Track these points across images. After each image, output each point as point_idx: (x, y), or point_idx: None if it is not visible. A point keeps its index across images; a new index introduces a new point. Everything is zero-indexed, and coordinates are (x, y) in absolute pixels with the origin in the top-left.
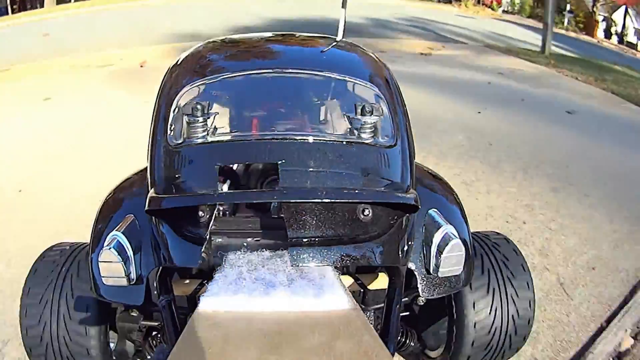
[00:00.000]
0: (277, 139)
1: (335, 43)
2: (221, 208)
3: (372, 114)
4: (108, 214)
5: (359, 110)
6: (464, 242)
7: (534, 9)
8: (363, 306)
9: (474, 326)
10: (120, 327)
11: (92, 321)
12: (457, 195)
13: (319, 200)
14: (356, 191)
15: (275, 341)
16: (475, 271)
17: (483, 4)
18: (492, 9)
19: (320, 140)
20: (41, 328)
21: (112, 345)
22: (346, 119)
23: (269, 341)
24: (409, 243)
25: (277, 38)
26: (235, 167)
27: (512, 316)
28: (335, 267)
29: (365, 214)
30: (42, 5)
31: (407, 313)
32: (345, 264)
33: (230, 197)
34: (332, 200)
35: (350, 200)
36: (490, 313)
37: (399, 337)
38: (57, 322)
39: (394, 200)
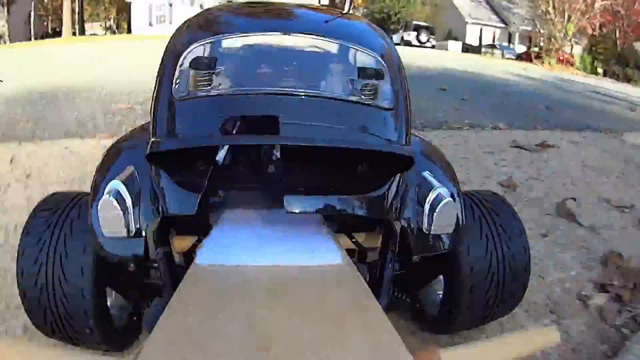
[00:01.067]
0: (279, 93)
1: (341, 14)
2: (220, 159)
3: (373, 78)
4: (109, 164)
5: (360, 74)
6: (456, 201)
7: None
8: (357, 262)
9: (470, 271)
10: (116, 282)
11: (90, 265)
12: (447, 160)
13: (317, 147)
14: (356, 140)
15: (269, 294)
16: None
17: (561, 61)
18: (576, 67)
19: (322, 97)
20: (37, 269)
21: (109, 300)
22: (348, 81)
23: (262, 294)
24: (403, 200)
25: (287, 4)
26: (237, 120)
27: (508, 261)
28: (330, 221)
29: (361, 167)
30: None
31: (402, 272)
32: (339, 213)
33: (230, 140)
34: (331, 147)
35: (348, 147)
36: (485, 257)
37: (391, 293)
38: (53, 266)
39: (391, 150)
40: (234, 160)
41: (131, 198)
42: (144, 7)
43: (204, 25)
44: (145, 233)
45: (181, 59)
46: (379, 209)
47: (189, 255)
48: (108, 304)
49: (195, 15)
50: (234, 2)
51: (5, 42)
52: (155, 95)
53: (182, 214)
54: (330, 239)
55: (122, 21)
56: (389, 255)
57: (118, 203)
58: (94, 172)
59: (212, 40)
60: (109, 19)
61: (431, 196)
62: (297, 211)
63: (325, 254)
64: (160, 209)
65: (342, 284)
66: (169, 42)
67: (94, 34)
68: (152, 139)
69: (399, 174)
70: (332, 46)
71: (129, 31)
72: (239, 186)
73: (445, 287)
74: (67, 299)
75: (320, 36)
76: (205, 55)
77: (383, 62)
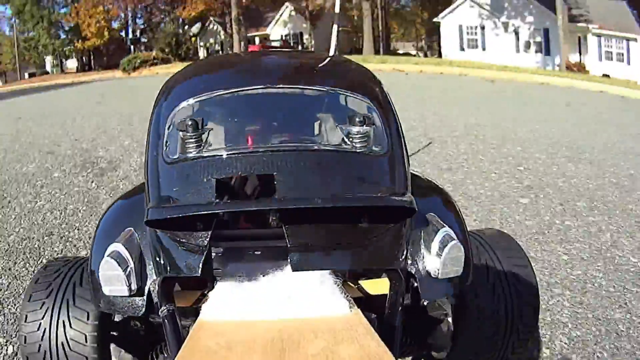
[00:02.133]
0: (271, 150)
1: (328, 58)
2: (220, 219)
3: (364, 124)
4: (107, 227)
5: (351, 121)
6: (463, 242)
7: None
8: (364, 311)
9: (478, 313)
10: (121, 339)
11: (93, 332)
12: (451, 199)
13: (316, 207)
14: (353, 197)
15: (278, 348)
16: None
17: None
18: None
19: (314, 150)
20: (40, 336)
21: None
22: (340, 129)
23: (272, 348)
24: (408, 246)
25: (270, 54)
26: (232, 180)
27: (517, 304)
28: (336, 274)
29: (362, 219)
30: None
31: (410, 316)
32: (344, 269)
33: (228, 206)
34: (329, 207)
35: (347, 205)
36: (493, 299)
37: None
38: (57, 332)
39: (390, 203)
40: (234, 218)
41: (132, 259)
42: (454, 29)
43: (188, 83)
44: (148, 291)
45: (168, 120)
46: (385, 258)
47: (194, 310)
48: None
49: (178, 72)
50: (219, 55)
51: None
52: (146, 158)
53: (186, 276)
54: (336, 288)
55: (434, 42)
56: (397, 302)
57: (119, 264)
58: (92, 235)
59: (199, 98)
60: (421, 40)
61: (437, 238)
62: (302, 269)
63: (333, 304)
64: (162, 269)
65: (351, 335)
66: (156, 102)
67: (407, 53)
68: (149, 205)
69: (401, 221)
70: (321, 94)
71: (440, 54)
72: (241, 242)
73: (453, 330)
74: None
75: (308, 85)
76: (193, 114)
77: (373, 106)
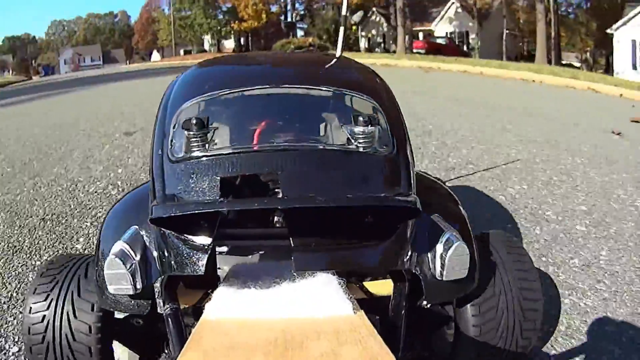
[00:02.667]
0: (276, 149)
1: (335, 59)
2: (224, 218)
3: (369, 124)
4: (112, 225)
5: (356, 121)
6: (468, 245)
7: None
8: (367, 312)
9: (480, 316)
10: (123, 335)
11: (97, 323)
12: (458, 200)
13: (320, 206)
14: (357, 197)
15: (281, 348)
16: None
17: None
18: None
19: (319, 150)
20: (44, 327)
21: (116, 355)
22: (345, 129)
23: (275, 348)
24: (412, 248)
25: (277, 55)
26: (236, 179)
27: (520, 307)
28: (339, 275)
29: (366, 219)
30: None
31: (412, 318)
32: (348, 269)
33: (232, 205)
34: (333, 206)
35: (351, 205)
36: (496, 302)
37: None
38: (60, 323)
39: (395, 204)
40: (239, 216)
41: (136, 258)
42: (627, 44)
43: (194, 82)
44: (152, 289)
45: (174, 118)
46: (389, 259)
47: (197, 309)
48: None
49: (187, 71)
50: (227, 55)
51: (474, 57)
52: (151, 155)
53: (190, 275)
54: (339, 289)
55: (599, 57)
56: (401, 304)
57: (123, 263)
58: (97, 233)
59: (204, 97)
60: (585, 51)
61: (441, 240)
62: (305, 270)
63: (336, 305)
64: (166, 268)
65: (355, 336)
66: (162, 100)
67: (570, 64)
68: (153, 203)
69: (406, 222)
70: (326, 94)
71: (607, 70)
72: (245, 241)
73: (456, 332)
74: (74, 356)
75: (313, 85)
76: (198, 113)
77: (378, 106)
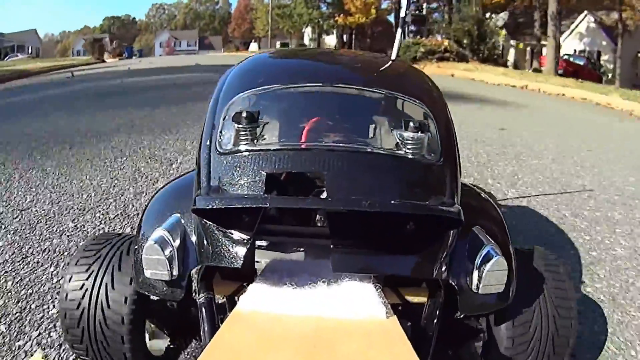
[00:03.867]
0: (324, 149)
1: (390, 62)
2: (267, 213)
3: (419, 130)
4: (154, 211)
5: (407, 126)
6: (507, 260)
7: None
8: (400, 318)
9: (512, 330)
10: (157, 317)
11: (134, 295)
12: (501, 213)
13: (363, 210)
14: (401, 203)
15: (311, 345)
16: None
17: None
18: None
19: (367, 152)
20: (81, 294)
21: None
22: (394, 134)
23: (304, 345)
24: (451, 258)
25: (332, 53)
26: (282, 175)
27: (554, 326)
28: (376, 279)
29: (408, 226)
30: None
31: (445, 328)
32: (385, 274)
33: (275, 202)
34: (377, 211)
35: (394, 211)
36: (529, 319)
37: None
38: (98, 292)
39: (438, 213)
40: (280, 213)
41: (175, 245)
42: None
43: (247, 75)
44: (188, 277)
45: (225, 110)
46: (427, 268)
47: (231, 300)
48: (146, 336)
49: (239, 64)
50: (282, 49)
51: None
52: (200, 146)
53: (228, 267)
54: (375, 293)
55: None
56: (434, 313)
57: (162, 249)
58: (139, 217)
59: (256, 92)
60: None
61: (481, 254)
62: (343, 271)
63: (370, 308)
64: (204, 258)
65: (385, 341)
66: (214, 92)
67: None
68: (197, 193)
69: (447, 232)
70: (378, 97)
71: None
72: (285, 237)
73: (486, 345)
74: (106, 324)
75: (366, 87)
76: (249, 107)
77: (430, 113)
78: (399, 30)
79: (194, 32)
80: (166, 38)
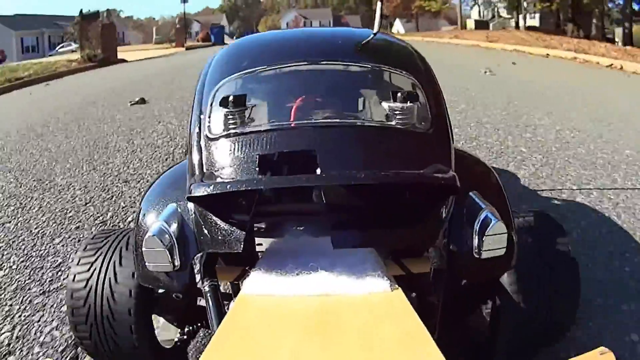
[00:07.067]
0: (314, 126)
1: (371, 35)
2: (263, 195)
3: (408, 100)
4: (151, 203)
5: (395, 98)
6: (506, 223)
7: None
8: (405, 289)
9: (518, 296)
10: (164, 309)
11: (138, 288)
12: (497, 177)
13: (359, 183)
14: (395, 174)
15: (317, 323)
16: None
17: None
18: None
19: (357, 126)
20: (86, 292)
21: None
22: (383, 106)
23: (311, 324)
24: (450, 225)
25: (314, 31)
26: (274, 156)
27: (558, 289)
28: (378, 252)
29: (405, 197)
30: None
31: (450, 297)
32: (386, 247)
33: (270, 182)
34: (372, 183)
35: (390, 182)
36: (534, 283)
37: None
38: (102, 287)
39: (433, 181)
40: (276, 193)
41: (175, 235)
42: None
43: (231, 59)
44: (190, 266)
45: (211, 96)
46: (427, 236)
47: (236, 286)
48: (155, 327)
49: (224, 49)
50: (262, 33)
51: None
52: (189, 133)
53: (228, 252)
54: (377, 266)
55: None
56: (438, 282)
57: (162, 241)
58: (137, 210)
59: (241, 75)
60: None
61: (479, 218)
62: (343, 247)
63: (374, 281)
64: (205, 245)
65: (391, 313)
66: (199, 79)
67: None
68: (191, 181)
69: (444, 199)
70: (364, 70)
71: None
72: (283, 217)
73: (493, 313)
74: (113, 317)
75: (350, 61)
76: (236, 90)
77: (417, 83)
78: (379, 3)
79: (326, 10)
80: (292, 17)
